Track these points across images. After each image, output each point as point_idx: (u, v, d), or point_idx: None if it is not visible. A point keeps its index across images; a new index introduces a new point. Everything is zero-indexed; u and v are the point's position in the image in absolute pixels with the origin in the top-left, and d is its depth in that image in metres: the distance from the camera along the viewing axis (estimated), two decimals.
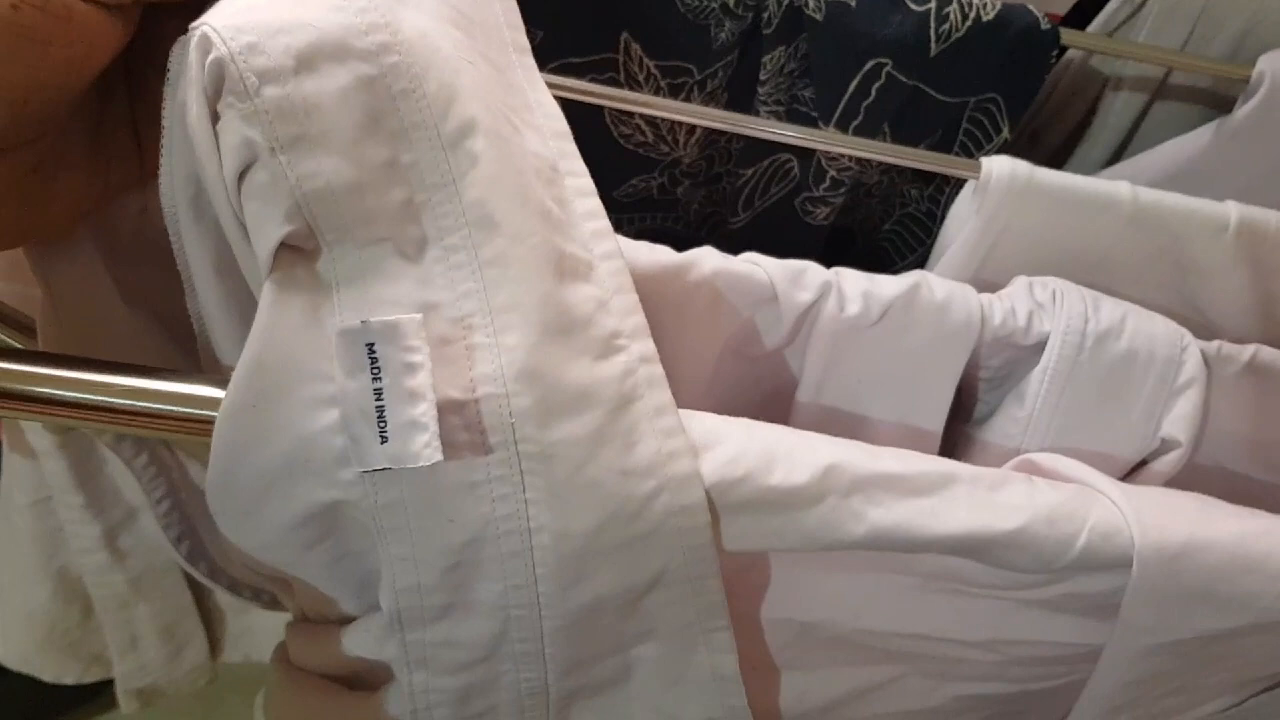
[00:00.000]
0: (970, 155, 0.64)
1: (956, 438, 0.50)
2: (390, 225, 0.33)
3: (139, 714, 0.66)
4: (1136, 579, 0.37)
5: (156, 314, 0.41)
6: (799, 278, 0.45)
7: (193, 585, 0.62)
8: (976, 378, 0.49)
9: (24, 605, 0.63)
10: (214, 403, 0.32)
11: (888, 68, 0.59)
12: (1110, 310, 0.47)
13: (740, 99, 0.64)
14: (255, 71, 0.31)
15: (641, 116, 0.62)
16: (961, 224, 0.55)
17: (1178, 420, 0.46)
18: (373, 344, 0.31)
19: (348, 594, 0.36)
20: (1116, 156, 0.72)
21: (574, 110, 0.58)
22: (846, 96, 0.60)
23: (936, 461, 0.38)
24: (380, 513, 0.32)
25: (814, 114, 0.62)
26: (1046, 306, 0.47)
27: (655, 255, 0.42)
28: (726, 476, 0.34)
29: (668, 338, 0.42)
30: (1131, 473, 0.48)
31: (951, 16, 0.58)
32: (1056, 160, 0.74)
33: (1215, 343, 0.48)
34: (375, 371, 0.31)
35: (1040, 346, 0.46)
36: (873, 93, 0.60)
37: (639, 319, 0.35)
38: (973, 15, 0.59)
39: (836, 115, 0.61)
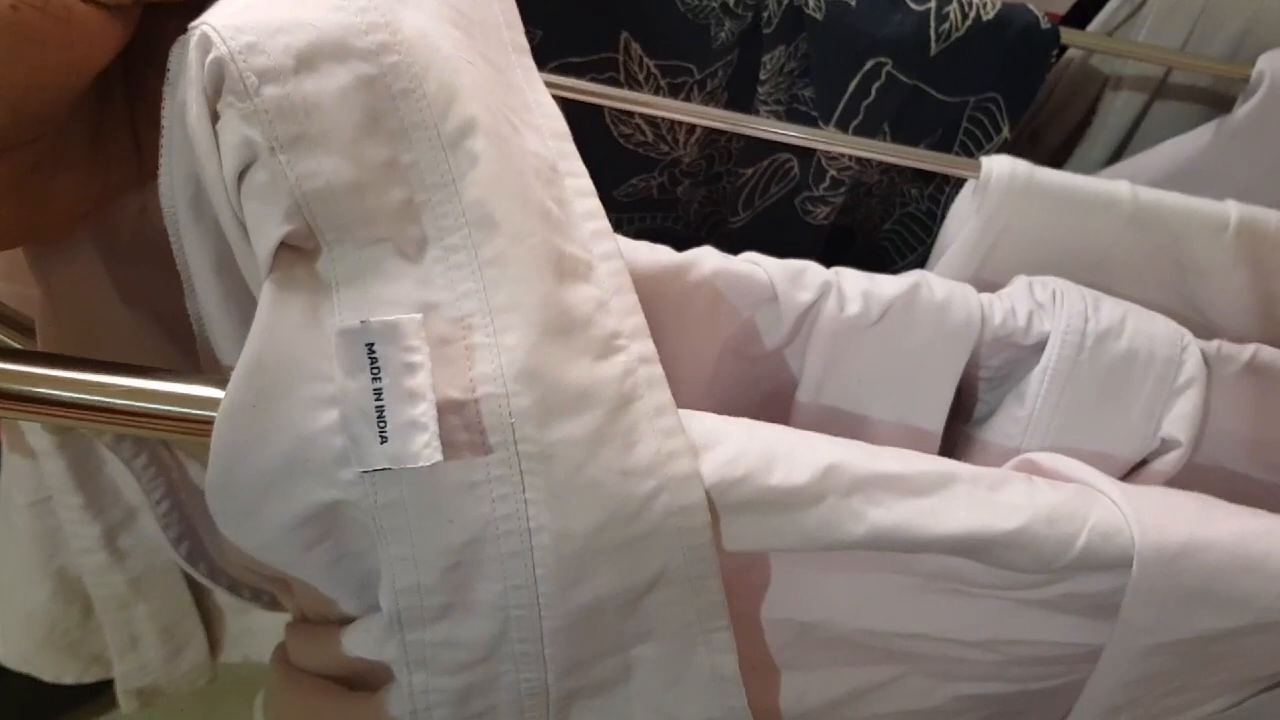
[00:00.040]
0: (970, 155, 0.64)
1: (956, 437, 0.50)
2: (390, 225, 0.33)
3: (139, 714, 0.66)
4: (1136, 579, 0.37)
5: (156, 314, 0.41)
6: (799, 277, 0.44)
7: (192, 585, 0.62)
8: (976, 377, 0.49)
9: (24, 605, 0.63)
10: (213, 403, 0.32)
11: (888, 67, 0.59)
12: (1110, 310, 0.47)
13: (740, 98, 0.64)
14: (255, 71, 0.31)
15: (641, 116, 0.62)
16: (961, 223, 0.55)
17: (1178, 420, 0.46)
18: (372, 344, 0.31)
19: (347, 594, 0.36)
20: (1116, 156, 0.72)
21: (574, 110, 0.58)
22: (846, 96, 0.60)
23: (936, 461, 0.38)
24: (380, 513, 0.32)
25: (814, 113, 0.62)
26: (1046, 306, 0.47)
27: (655, 255, 0.42)
28: (726, 476, 0.34)
29: (668, 338, 0.42)
30: (1132, 472, 0.48)
31: (951, 16, 0.58)
32: (1057, 160, 0.74)
33: (1215, 342, 0.48)
34: (375, 371, 0.31)
35: (1040, 346, 0.46)
36: (873, 92, 0.60)
37: (638, 319, 0.35)
38: (973, 15, 0.59)
39: (836, 115, 0.61)
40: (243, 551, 0.35)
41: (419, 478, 0.31)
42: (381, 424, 0.30)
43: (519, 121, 0.37)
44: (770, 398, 0.48)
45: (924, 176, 0.68)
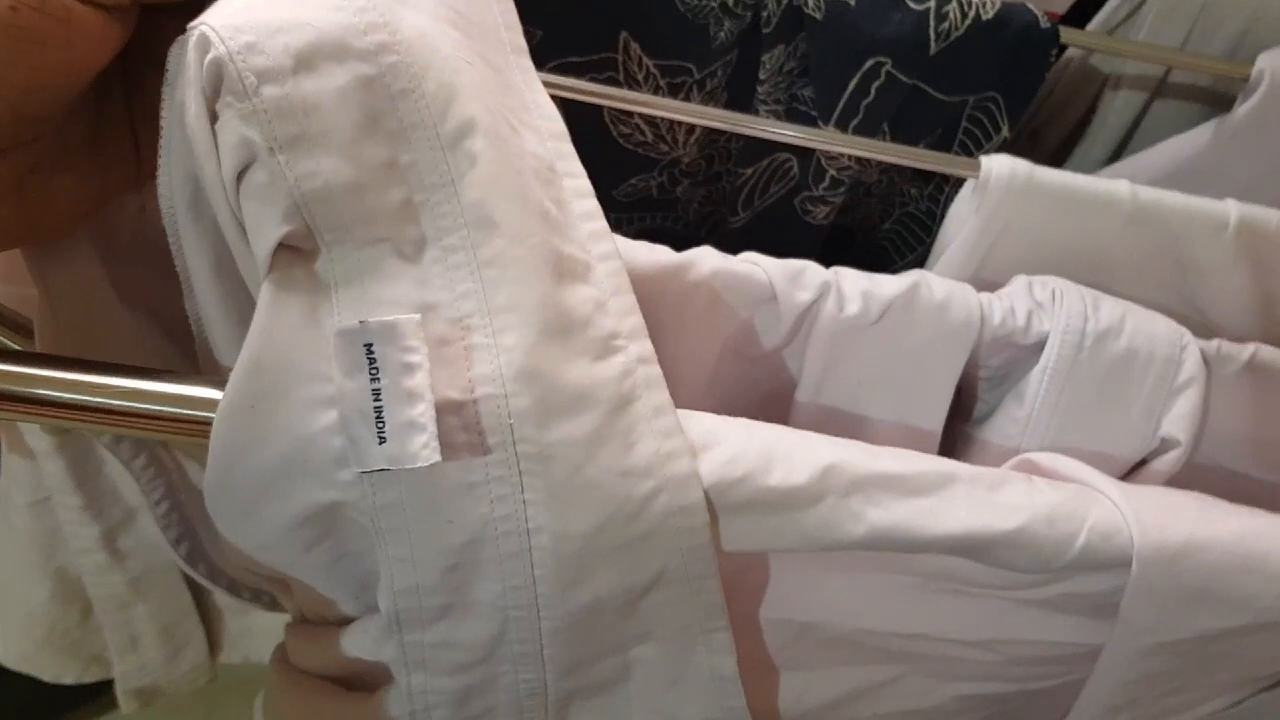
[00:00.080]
0: (970, 154, 0.64)
1: (956, 437, 0.50)
2: (389, 225, 0.33)
3: (139, 714, 0.66)
4: (1136, 578, 0.37)
5: (155, 315, 0.41)
6: (798, 277, 0.44)
7: (192, 586, 0.62)
8: (976, 377, 0.49)
9: (23, 605, 0.63)
10: (212, 404, 0.32)
11: (887, 66, 0.59)
12: (1110, 309, 0.47)
13: (740, 98, 0.64)
14: (254, 71, 0.31)
15: (641, 116, 0.62)
16: (961, 223, 0.55)
17: (1177, 419, 0.46)
18: (371, 344, 0.31)
19: (346, 595, 0.36)
20: (1116, 155, 0.72)
21: (573, 109, 0.58)
22: (846, 95, 0.60)
23: (936, 461, 0.38)
24: (378, 513, 0.32)
25: (813, 113, 0.62)
26: (1046, 306, 0.47)
27: (654, 255, 0.42)
28: (725, 477, 0.34)
29: (667, 338, 0.42)
30: (1131, 472, 0.48)
31: (951, 15, 0.58)
32: (1056, 159, 0.74)
33: (1215, 342, 0.48)
34: (374, 372, 0.31)
35: (1040, 346, 0.46)
36: (872, 92, 0.60)
37: (637, 320, 0.35)
38: (972, 14, 0.58)
39: (836, 114, 0.61)
40: (242, 552, 0.35)
41: (417, 478, 0.31)
42: (380, 424, 0.30)
43: (517, 122, 0.37)
44: (770, 398, 0.48)
45: (923, 176, 0.68)
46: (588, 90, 0.55)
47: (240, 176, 0.32)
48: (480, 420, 0.32)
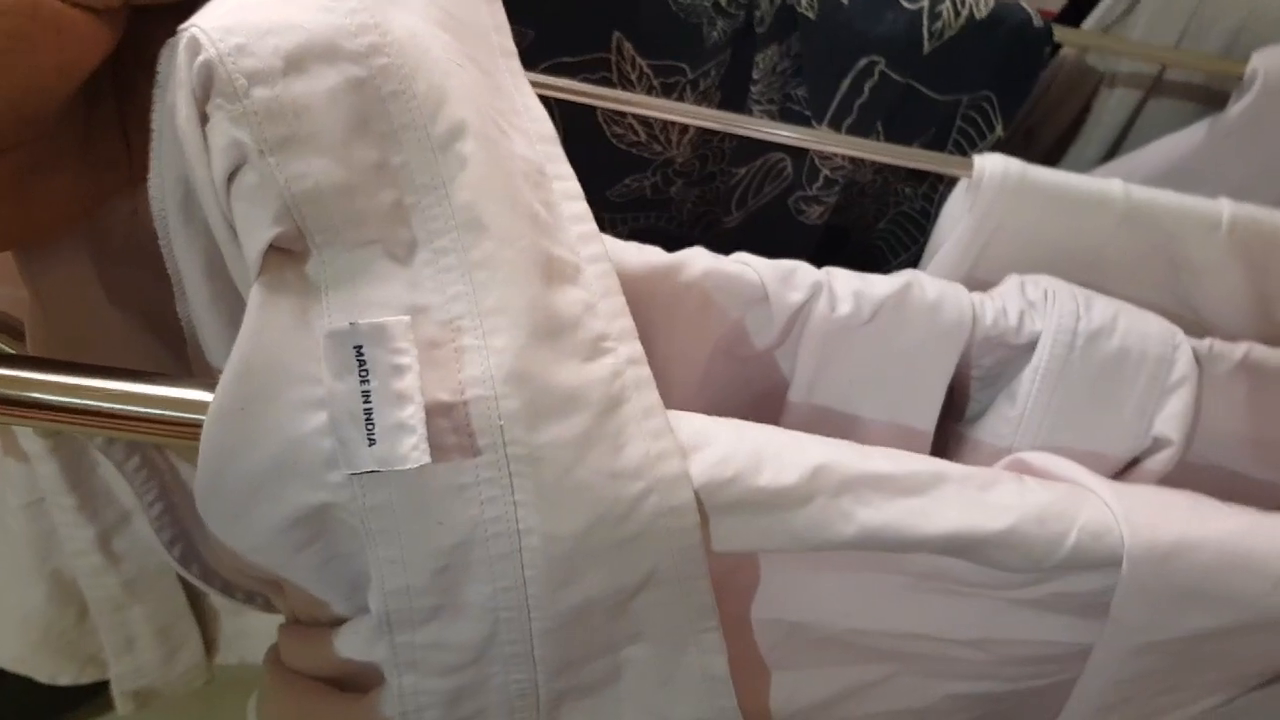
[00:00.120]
0: (964, 153, 0.64)
1: (949, 437, 0.50)
2: (380, 227, 0.33)
3: (136, 715, 0.66)
4: (1126, 578, 0.37)
5: (146, 317, 0.41)
6: (790, 278, 0.45)
7: (188, 588, 0.63)
8: (969, 376, 0.49)
9: (19, 606, 0.63)
10: (203, 406, 0.32)
11: (880, 66, 0.59)
12: (1102, 309, 0.47)
13: (733, 98, 0.64)
14: (244, 73, 0.31)
15: (634, 116, 0.62)
16: (954, 222, 0.55)
17: (1170, 418, 0.46)
18: (361, 346, 0.31)
19: (338, 596, 0.36)
20: (1111, 154, 0.72)
21: (567, 110, 0.58)
22: (839, 95, 0.60)
23: (927, 461, 0.38)
24: (368, 515, 0.32)
25: (807, 112, 0.62)
26: (1038, 305, 0.47)
27: (645, 256, 0.42)
28: (715, 477, 0.34)
29: (658, 339, 0.42)
30: (1124, 471, 0.48)
31: (944, 14, 0.58)
32: (1051, 158, 0.74)
33: (1207, 340, 0.48)
34: (363, 374, 0.31)
35: (1032, 345, 0.46)
36: (866, 91, 0.60)
37: (626, 321, 0.35)
38: (966, 13, 0.58)
39: (829, 114, 0.61)
40: (235, 554, 0.35)
41: (407, 480, 0.31)
42: (370, 426, 0.30)
43: (507, 125, 0.37)
44: (762, 398, 0.48)
45: (918, 175, 0.68)
46: (581, 91, 0.55)
47: (231, 178, 0.32)
48: (470, 422, 0.32)
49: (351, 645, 0.36)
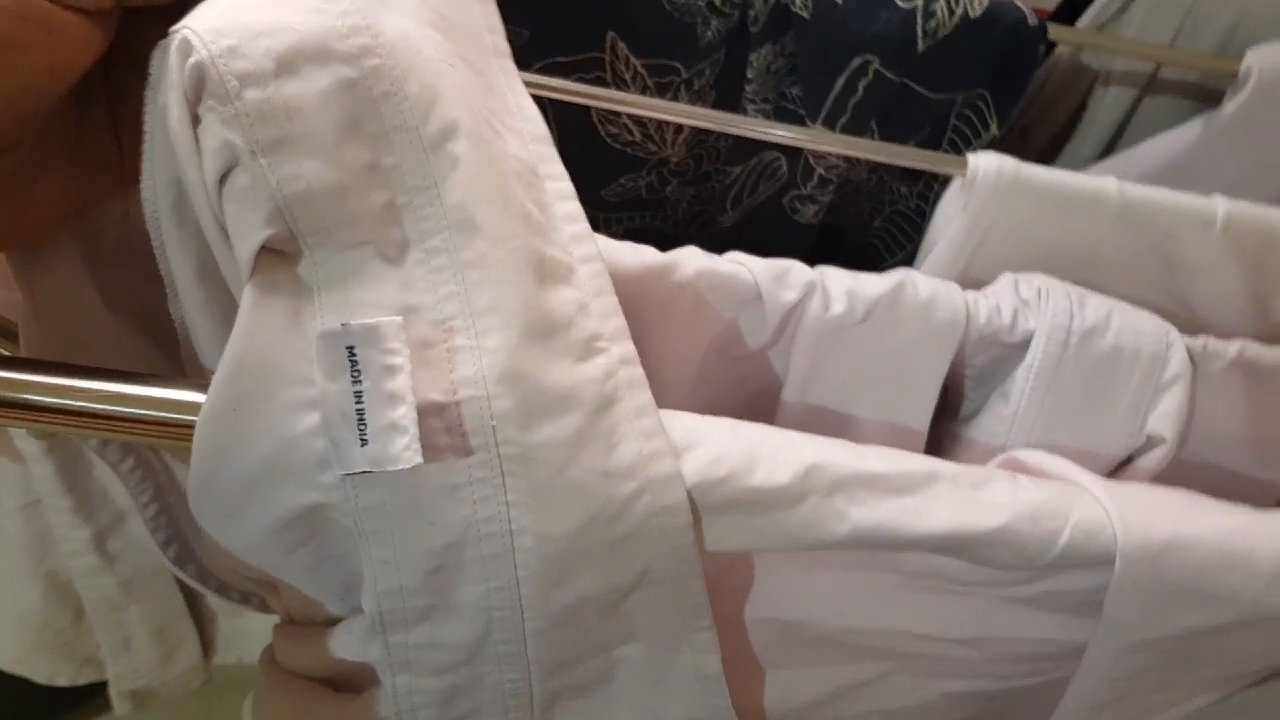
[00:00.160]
0: (959, 152, 0.64)
1: (943, 436, 0.50)
2: (372, 228, 0.33)
3: (134, 715, 0.66)
4: (1119, 576, 0.37)
5: (139, 318, 0.41)
6: (783, 277, 0.45)
7: (185, 588, 0.63)
8: (963, 375, 0.49)
9: (16, 607, 0.63)
10: (195, 407, 0.32)
11: (875, 65, 0.59)
12: (1095, 307, 0.47)
13: (727, 97, 0.64)
14: (236, 75, 0.31)
15: (629, 115, 0.62)
16: (949, 221, 0.55)
17: (1163, 416, 0.47)
18: (353, 347, 0.31)
19: (332, 596, 0.36)
20: (1107, 152, 0.73)
21: (561, 109, 0.58)
22: (834, 94, 0.60)
23: (920, 460, 0.38)
24: (361, 515, 0.32)
25: (802, 111, 0.62)
26: (1032, 304, 0.47)
27: (639, 256, 0.42)
28: (708, 477, 0.34)
29: (652, 338, 0.42)
30: (1118, 469, 0.48)
31: (938, 13, 0.58)
32: (1047, 156, 0.74)
33: (1201, 338, 0.48)
34: (355, 374, 0.31)
35: (1026, 344, 0.46)
36: (860, 90, 0.60)
37: (619, 321, 0.36)
38: (960, 11, 0.58)
39: (824, 113, 0.61)
40: (229, 554, 0.35)
41: (400, 480, 0.31)
42: (362, 427, 0.31)
43: (500, 125, 0.37)
44: (756, 397, 0.48)
45: (913, 174, 0.68)
46: (576, 91, 0.55)
47: (223, 180, 0.32)
48: (463, 422, 0.32)
49: (346, 645, 0.36)
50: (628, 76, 0.61)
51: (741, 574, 0.39)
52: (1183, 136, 0.65)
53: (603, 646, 0.35)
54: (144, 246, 0.36)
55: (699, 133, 0.65)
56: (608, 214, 0.67)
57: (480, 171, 0.34)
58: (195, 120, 0.32)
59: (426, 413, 0.31)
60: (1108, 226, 0.54)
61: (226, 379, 0.31)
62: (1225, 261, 0.55)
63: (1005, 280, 0.49)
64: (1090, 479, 0.40)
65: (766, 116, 0.64)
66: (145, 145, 0.34)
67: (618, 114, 0.62)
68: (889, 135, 0.63)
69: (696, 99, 0.63)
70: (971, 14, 0.59)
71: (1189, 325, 0.50)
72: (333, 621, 0.37)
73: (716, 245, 0.46)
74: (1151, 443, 0.47)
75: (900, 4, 0.58)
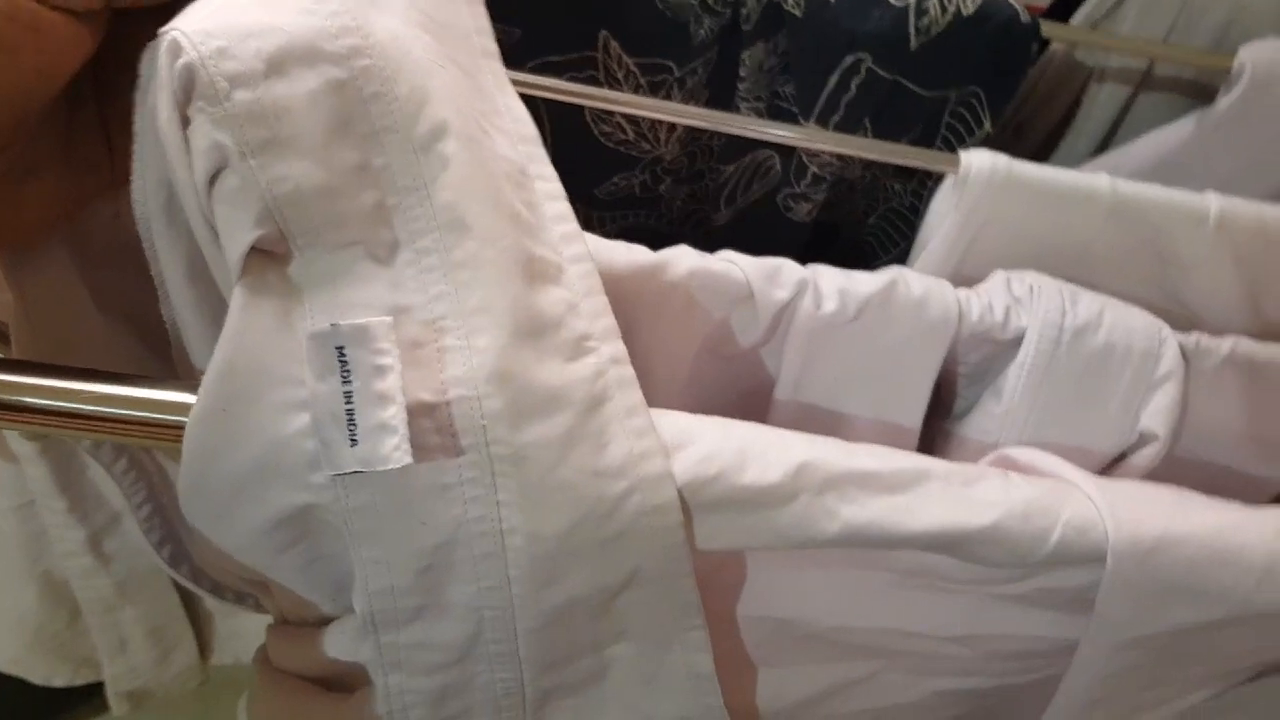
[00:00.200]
0: (952, 149, 0.64)
1: (936, 434, 0.50)
2: (361, 228, 0.33)
3: (131, 715, 0.66)
4: (1111, 573, 0.37)
5: (131, 319, 0.41)
6: (775, 275, 0.45)
7: (180, 588, 0.63)
8: (955, 373, 0.50)
9: (12, 608, 0.63)
10: (185, 408, 0.32)
11: (867, 63, 0.59)
12: (1088, 304, 0.47)
13: (720, 95, 0.64)
14: (225, 76, 0.32)
15: (622, 114, 0.62)
16: (942, 219, 0.55)
17: (1155, 413, 0.47)
18: (343, 347, 0.31)
19: (324, 596, 0.36)
20: (1102, 149, 0.72)
21: (554, 109, 0.58)
22: (826, 92, 0.60)
23: (911, 458, 0.38)
24: (351, 515, 0.32)
25: (795, 109, 0.62)
26: (1024, 301, 0.47)
27: (631, 255, 0.42)
28: (699, 476, 0.34)
29: (644, 337, 0.42)
30: (1110, 466, 0.48)
31: (931, 10, 0.58)
32: (1042, 153, 0.74)
33: (1194, 335, 0.48)
34: (345, 375, 0.31)
35: (1018, 341, 0.47)
36: (853, 88, 0.60)
37: (609, 321, 0.36)
38: (953, 9, 0.58)
39: (816, 111, 0.61)
40: (222, 554, 0.35)
41: (390, 480, 0.31)
42: (352, 427, 0.31)
43: (489, 125, 0.37)
44: (748, 396, 0.48)
45: (907, 171, 0.68)
46: (569, 91, 0.55)
47: (213, 181, 0.32)
48: (453, 422, 0.32)
49: (337, 645, 0.36)
50: (620, 75, 0.61)
51: (733, 572, 0.39)
52: (1176, 133, 0.65)
53: (594, 646, 0.35)
54: (135, 247, 0.36)
55: (692, 131, 0.65)
56: (601, 213, 0.67)
57: (470, 172, 0.34)
58: (185, 121, 0.32)
59: (417, 413, 0.31)
60: (1100, 223, 0.53)
61: (216, 380, 0.31)
62: (1218, 258, 0.55)
63: (997, 278, 0.49)
64: (1081, 476, 0.40)
65: (760, 115, 0.64)
66: (135, 146, 0.34)
67: (611, 113, 0.62)
68: (882, 133, 0.63)
69: (689, 97, 0.63)
70: (964, 11, 0.58)
71: (1183, 322, 0.50)
72: (325, 621, 0.37)
73: (710, 244, 0.46)
74: (1144, 440, 0.47)
75: (893, 2, 0.58)
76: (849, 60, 0.59)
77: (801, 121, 0.62)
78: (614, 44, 0.59)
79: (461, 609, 0.33)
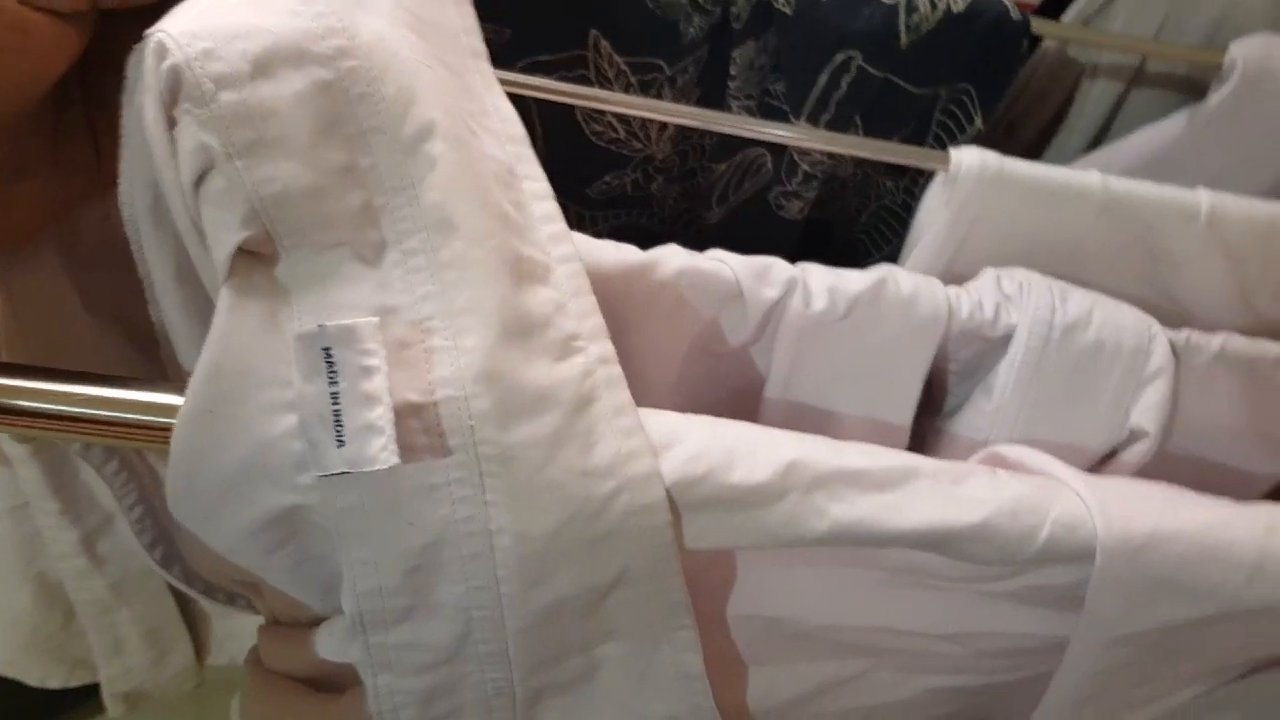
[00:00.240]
0: (944, 147, 0.64)
1: (927, 431, 0.50)
2: (348, 229, 0.33)
3: (128, 716, 0.66)
4: (1100, 570, 0.37)
5: (120, 321, 0.41)
6: (764, 274, 0.45)
7: (176, 590, 0.62)
8: (946, 371, 0.50)
9: (7, 610, 0.63)
10: (172, 410, 0.32)
11: (858, 60, 0.59)
12: (1078, 301, 0.47)
13: (711, 94, 0.64)
14: (211, 77, 0.32)
15: (613, 113, 0.62)
16: (933, 216, 0.55)
17: (1146, 410, 0.47)
18: (329, 348, 0.31)
19: (313, 597, 0.36)
20: (1095, 145, 0.72)
21: (545, 108, 0.58)
22: (817, 90, 0.60)
23: (900, 456, 0.38)
24: (339, 516, 0.32)
25: (786, 108, 0.62)
26: (1014, 298, 0.47)
27: (620, 254, 0.42)
28: (687, 475, 0.34)
29: (634, 336, 0.42)
30: (1101, 463, 0.48)
31: (921, 8, 0.58)
32: (1035, 150, 0.74)
33: (1184, 332, 0.48)
34: (332, 375, 0.31)
35: (1008, 339, 0.47)
36: (843, 86, 0.60)
37: (597, 320, 0.36)
38: (943, 6, 0.58)
39: (807, 109, 0.61)
40: (213, 555, 0.35)
41: (377, 481, 0.31)
42: (339, 428, 0.31)
43: (477, 125, 0.37)
44: (739, 395, 0.48)
45: (899, 169, 0.68)
46: (560, 90, 0.55)
47: (199, 182, 0.32)
48: (441, 422, 0.32)
49: (327, 646, 0.36)
50: (611, 74, 0.61)
51: (724, 571, 0.39)
52: (1168, 129, 0.65)
53: (584, 645, 0.35)
54: (123, 249, 0.36)
55: (683, 130, 0.65)
56: (593, 211, 0.67)
57: (457, 172, 0.34)
58: (171, 123, 0.32)
59: (404, 413, 0.32)
60: (1092, 220, 0.53)
61: (203, 381, 0.31)
62: (1210, 254, 0.55)
63: (987, 275, 0.49)
64: (1071, 473, 0.40)
65: (751, 113, 0.64)
66: (122, 148, 0.35)
67: (602, 112, 0.62)
68: (873, 131, 0.63)
69: (680, 96, 0.63)
70: (954, 9, 0.58)
71: (1174, 318, 0.50)
72: (316, 622, 0.37)
73: (703, 242, 0.46)
74: (1135, 436, 0.47)
75: None
76: (839, 58, 0.59)
77: (792, 120, 0.62)
78: (604, 43, 0.59)
79: (450, 609, 0.33)
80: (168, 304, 0.36)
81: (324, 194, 0.33)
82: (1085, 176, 0.54)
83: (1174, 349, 0.47)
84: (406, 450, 0.31)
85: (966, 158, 0.53)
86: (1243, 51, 0.62)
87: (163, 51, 0.32)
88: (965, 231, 0.53)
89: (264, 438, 0.31)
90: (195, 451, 0.31)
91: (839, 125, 0.62)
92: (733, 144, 0.65)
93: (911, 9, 0.58)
